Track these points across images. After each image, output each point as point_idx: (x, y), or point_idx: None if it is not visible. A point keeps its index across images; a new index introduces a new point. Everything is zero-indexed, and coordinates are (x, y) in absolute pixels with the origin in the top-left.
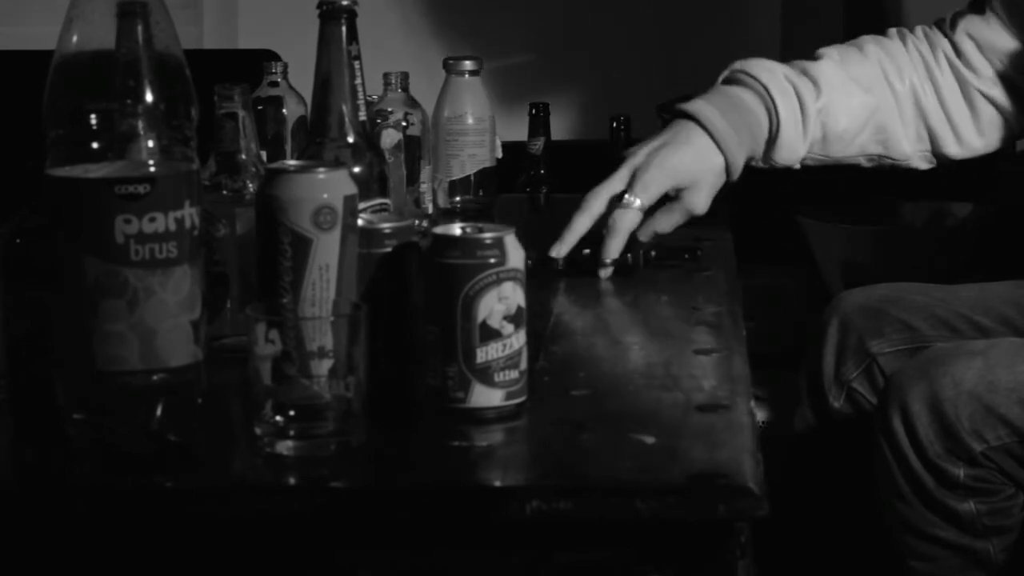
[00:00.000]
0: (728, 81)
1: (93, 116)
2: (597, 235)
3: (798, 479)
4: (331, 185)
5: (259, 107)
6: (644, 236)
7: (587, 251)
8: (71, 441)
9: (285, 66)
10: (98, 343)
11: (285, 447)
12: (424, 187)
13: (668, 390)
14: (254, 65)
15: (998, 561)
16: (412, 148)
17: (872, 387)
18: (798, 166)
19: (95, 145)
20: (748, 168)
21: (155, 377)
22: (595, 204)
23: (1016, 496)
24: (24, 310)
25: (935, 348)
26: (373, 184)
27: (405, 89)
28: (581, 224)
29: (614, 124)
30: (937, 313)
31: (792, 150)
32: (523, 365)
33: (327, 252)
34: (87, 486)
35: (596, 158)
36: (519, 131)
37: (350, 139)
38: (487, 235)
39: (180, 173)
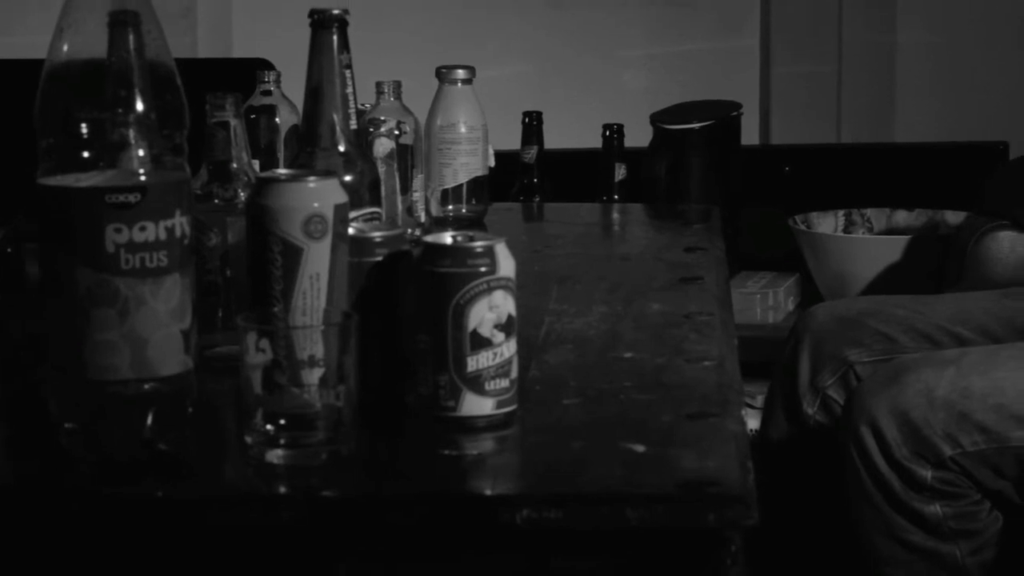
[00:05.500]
0: None
1: (84, 125)
2: None
3: (784, 487)
4: (321, 194)
5: (252, 116)
6: None
7: None
8: (63, 450)
9: (278, 75)
10: (89, 352)
11: (276, 456)
12: (417, 196)
13: (659, 398)
14: (247, 74)
15: (966, 565)
16: (405, 157)
17: (847, 395)
18: None
19: (86, 154)
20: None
21: (146, 386)
22: None
23: (982, 502)
24: (18, 317)
25: (904, 358)
26: (364, 193)
27: (398, 97)
28: None
29: (607, 133)
30: (917, 326)
31: None
32: (514, 374)
33: (318, 261)
34: (78, 495)
35: (589, 167)
36: (512, 140)
37: (341, 148)
38: (478, 244)
39: (171, 182)
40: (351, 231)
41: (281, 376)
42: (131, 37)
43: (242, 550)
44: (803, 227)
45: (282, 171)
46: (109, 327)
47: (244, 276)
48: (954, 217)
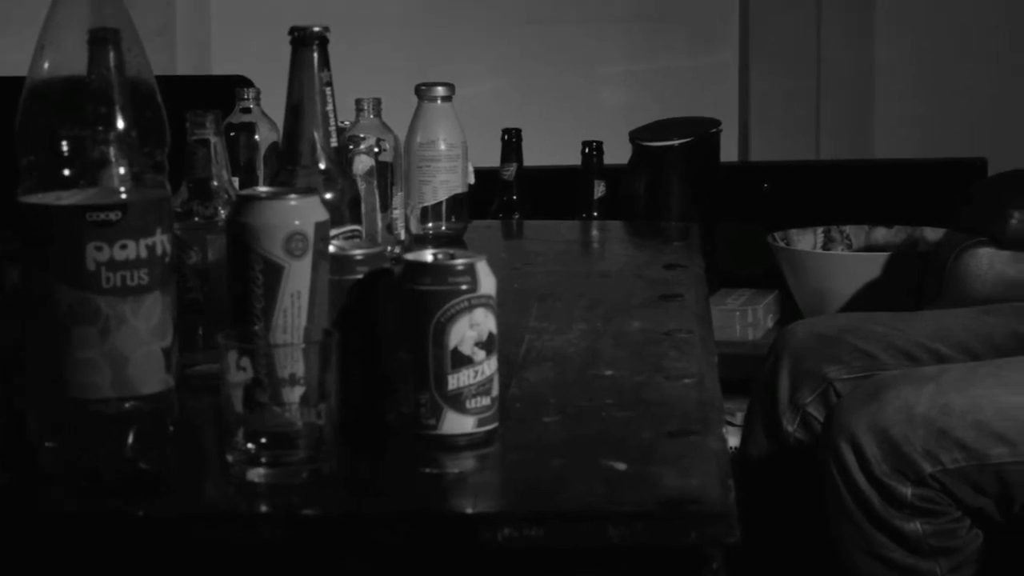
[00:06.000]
0: None
1: (65, 143)
2: None
3: (764, 504)
4: (302, 212)
5: (231, 133)
6: None
7: None
8: (43, 468)
9: (258, 92)
10: (70, 370)
11: (257, 475)
12: (397, 213)
13: (639, 416)
14: (227, 91)
15: None
16: (385, 174)
17: (827, 412)
18: None
19: (67, 172)
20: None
21: (127, 404)
22: None
23: (962, 519)
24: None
25: (884, 375)
26: (344, 210)
27: (378, 115)
28: None
29: (586, 150)
30: (896, 343)
31: None
32: (495, 392)
33: (298, 279)
34: (58, 513)
35: (569, 184)
36: (492, 157)
37: (321, 165)
38: (458, 262)
39: (151, 200)
40: (332, 249)
41: (262, 394)
42: (111, 54)
43: (223, 569)
44: (782, 244)
45: (262, 189)
46: (90, 345)
47: (225, 294)
48: (933, 234)
